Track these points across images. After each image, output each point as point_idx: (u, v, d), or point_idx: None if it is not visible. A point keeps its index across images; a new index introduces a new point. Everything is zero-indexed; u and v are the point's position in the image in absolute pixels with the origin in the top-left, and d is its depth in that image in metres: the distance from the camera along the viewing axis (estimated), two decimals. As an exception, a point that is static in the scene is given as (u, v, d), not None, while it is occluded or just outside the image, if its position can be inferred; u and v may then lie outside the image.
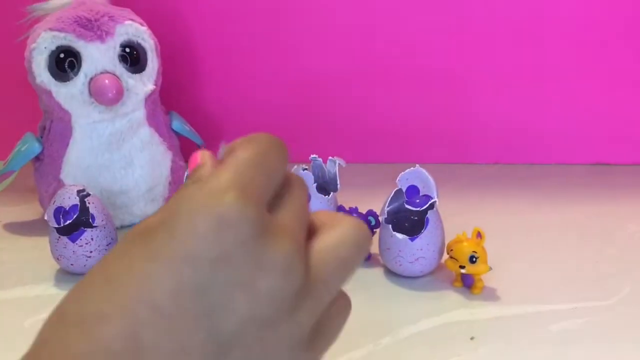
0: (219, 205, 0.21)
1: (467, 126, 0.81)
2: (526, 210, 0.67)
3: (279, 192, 0.24)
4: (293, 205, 0.24)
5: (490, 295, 0.50)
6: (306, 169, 0.58)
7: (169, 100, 0.72)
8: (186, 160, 0.71)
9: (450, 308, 0.49)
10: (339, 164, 0.58)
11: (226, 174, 0.22)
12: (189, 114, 0.75)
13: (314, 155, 0.59)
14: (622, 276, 0.52)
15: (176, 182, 0.69)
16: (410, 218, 0.54)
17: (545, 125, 0.80)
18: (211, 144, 0.80)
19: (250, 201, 0.21)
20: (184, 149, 0.72)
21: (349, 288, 0.55)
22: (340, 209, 0.57)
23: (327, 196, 0.57)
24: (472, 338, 0.45)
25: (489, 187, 0.74)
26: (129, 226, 0.58)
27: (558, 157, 0.81)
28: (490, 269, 0.49)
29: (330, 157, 0.59)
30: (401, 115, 0.82)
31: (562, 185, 0.74)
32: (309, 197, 0.27)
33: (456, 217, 0.56)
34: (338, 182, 0.57)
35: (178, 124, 0.70)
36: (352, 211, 0.57)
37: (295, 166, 0.58)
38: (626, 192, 0.71)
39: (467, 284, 0.51)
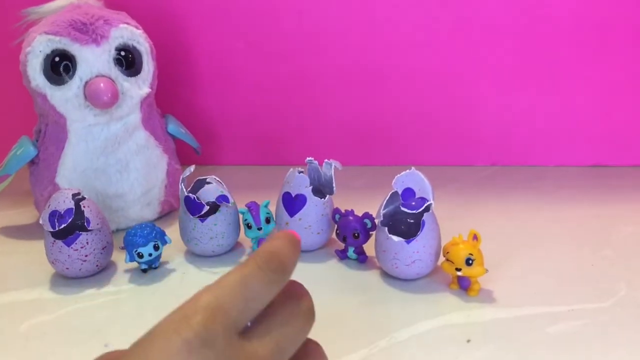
0: (186, 330, 0.21)
1: (463, 128, 0.81)
2: (522, 212, 0.67)
3: (274, 316, 0.25)
4: (280, 335, 0.25)
5: (487, 298, 0.50)
6: (302, 172, 0.58)
7: (164, 104, 0.72)
8: (182, 164, 0.71)
9: (446, 310, 0.49)
10: (335, 166, 0.58)
11: (205, 296, 0.23)
12: (184, 117, 0.75)
13: (310, 158, 0.59)
14: (619, 278, 0.52)
15: (172, 185, 0.68)
16: (406, 221, 0.54)
17: (541, 127, 0.80)
18: (207, 147, 0.80)
19: (218, 327, 0.22)
20: (180, 152, 0.72)
21: (345, 290, 0.54)
22: (336, 211, 0.57)
23: (323, 199, 0.57)
24: (468, 341, 0.45)
25: (485, 189, 0.75)
26: (125, 229, 0.58)
27: (554, 159, 0.81)
28: (487, 271, 0.49)
29: (326, 160, 0.59)
30: (397, 118, 0.82)
31: (558, 187, 0.74)
32: (307, 328, 0.28)
33: (452, 219, 0.56)
34: (334, 185, 0.57)
35: (174, 127, 0.70)
36: (348, 214, 0.56)
37: (291, 169, 0.58)
38: (622, 193, 0.71)
39: (464, 286, 0.51)
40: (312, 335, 0.47)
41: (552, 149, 0.81)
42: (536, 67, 0.78)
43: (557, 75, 0.78)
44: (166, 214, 0.70)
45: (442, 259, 0.51)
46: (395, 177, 0.53)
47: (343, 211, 0.57)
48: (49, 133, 0.63)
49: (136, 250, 0.54)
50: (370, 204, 0.57)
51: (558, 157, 0.81)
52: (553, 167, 0.81)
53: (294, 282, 0.29)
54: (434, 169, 0.53)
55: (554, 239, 0.61)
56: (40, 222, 0.54)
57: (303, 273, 0.56)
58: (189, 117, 0.77)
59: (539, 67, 0.78)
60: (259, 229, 0.58)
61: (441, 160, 0.82)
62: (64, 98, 0.60)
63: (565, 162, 0.81)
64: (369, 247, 0.56)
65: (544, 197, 0.71)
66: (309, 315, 0.27)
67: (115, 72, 0.61)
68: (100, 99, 0.58)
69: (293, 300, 0.27)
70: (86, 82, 0.60)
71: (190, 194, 0.57)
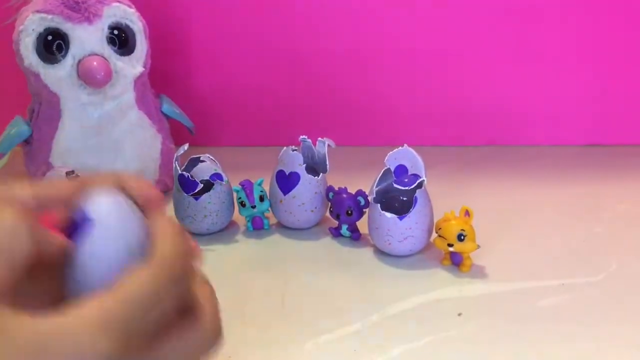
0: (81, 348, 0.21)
1: (457, 108, 0.81)
2: (515, 190, 0.68)
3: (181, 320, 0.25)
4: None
5: (479, 273, 0.51)
6: (295, 150, 0.58)
7: (158, 84, 0.72)
8: (176, 144, 0.71)
9: (438, 286, 0.49)
10: (328, 144, 0.58)
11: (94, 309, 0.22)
12: (178, 97, 0.75)
13: (304, 136, 0.59)
14: (610, 253, 0.53)
15: (166, 165, 0.68)
16: (399, 197, 0.54)
17: (534, 107, 0.80)
18: (201, 127, 0.80)
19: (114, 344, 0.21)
20: (174, 132, 0.72)
21: (338, 266, 0.55)
22: (329, 189, 0.57)
23: (316, 177, 0.57)
24: (459, 314, 0.45)
25: (478, 169, 0.75)
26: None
27: (547, 138, 0.81)
28: (479, 247, 0.50)
29: (319, 138, 0.59)
30: (391, 98, 0.82)
31: (552, 166, 0.75)
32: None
33: (445, 198, 0.56)
34: (327, 163, 0.58)
35: (168, 107, 0.70)
36: (342, 191, 0.57)
37: (285, 148, 0.58)
38: (614, 172, 0.71)
39: (456, 262, 0.52)
40: (304, 310, 0.48)
41: (545, 128, 0.81)
42: (530, 47, 0.78)
43: (550, 55, 0.78)
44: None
45: (434, 235, 0.52)
46: (388, 154, 0.53)
47: (336, 189, 0.57)
48: (43, 112, 0.63)
49: (130, 228, 0.55)
50: (364, 183, 0.57)
51: (552, 137, 0.81)
52: (545, 146, 0.81)
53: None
54: (427, 149, 0.53)
55: (546, 216, 0.61)
56: (34, 200, 0.54)
57: (296, 251, 0.57)
58: (182, 98, 0.77)
59: (533, 47, 0.77)
60: (253, 207, 0.58)
61: (435, 140, 0.82)
62: (57, 77, 0.60)
63: (559, 141, 0.81)
64: (362, 225, 0.57)
65: (536, 176, 0.71)
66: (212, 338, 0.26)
67: (108, 51, 0.61)
68: (94, 77, 0.58)
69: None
70: (79, 61, 0.59)
71: (184, 172, 0.57)
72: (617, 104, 0.79)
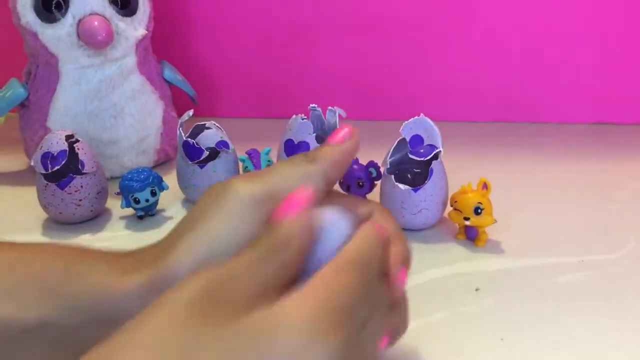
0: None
1: (467, 83, 0.80)
2: (528, 166, 0.66)
3: None
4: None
5: (495, 248, 0.49)
6: (305, 119, 0.56)
7: (160, 50, 0.70)
8: (179, 114, 0.69)
9: (453, 260, 0.48)
10: (339, 114, 0.56)
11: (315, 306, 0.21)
12: (181, 64, 0.72)
13: (313, 105, 0.57)
14: (627, 230, 0.51)
15: (168, 133, 0.66)
16: (412, 169, 0.53)
17: (546, 84, 0.78)
18: (203, 96, 0.78)
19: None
20: (175, 101, 0.70)
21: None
22: (340, 160, 0.55)
23: (326, 147, 0.55)
24: (477, 289, 0.44)
25: (489, 144, 0.73)
26: (119, 177, 0.55)
27: (559, 116, 0.80)
28: (495, 221, 0.48)
29: (329, 107, 0.57)
30: (400, 72, 0.80)
31: (564, 143, 0.73)
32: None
33: (459, 172, 0.54)
34: (338, 133, 0.55)
35: (170, 73, 0.68)
36: (353, 162, 0.54)
37: (294, 116, 0.56)
38: (627, 150, 0.70)
39: (471, 236, 0.50)
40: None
41: (557, 106, 0.79)
42: (539, 23, 0.76)
43: (560, 32, 0.76)
44: (162, 163, 0.68)
45: (449, 209, 0.50)
46: (404, 123, 0.51)
47: (347, 160, 0.55)
48: (40, 75, 0.60)
49: (132, 196, 0.53)
50: (375, 154, 0.55)
51: (563, 115, 0.79)
52: (556, 124, 0.79)
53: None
54: (440, 124, 0.51)
55: (560, 192, 0.59)
56: (32, 163, 0.52)
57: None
58: (185, 65, 0.74)
59: (542, 23, 0.76)
60: (260, 177, 0.56)
61: (445, 115, 0.80)
62: (56, 37, 0.57)
63: (571, 119, 0.79)
64: (373, 198, 0.55)
65: (549, 153, 0.70)
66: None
67: (110, 11, 0.58)
68: (94, 38, 0.56)
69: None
70: (79, 21, 0.57)
71: (189, 139, 0.55)
72: (628, 81, 0.77)
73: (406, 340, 0.39)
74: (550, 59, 0.77)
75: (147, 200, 0.53)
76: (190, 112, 0.56)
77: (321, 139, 0.57)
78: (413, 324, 0.41)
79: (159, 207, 0.56)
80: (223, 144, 0.55)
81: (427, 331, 0.40)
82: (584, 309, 0.41)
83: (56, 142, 0.52)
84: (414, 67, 0.80)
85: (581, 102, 0.79)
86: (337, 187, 0.57)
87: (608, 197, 0.58)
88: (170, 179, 0.58)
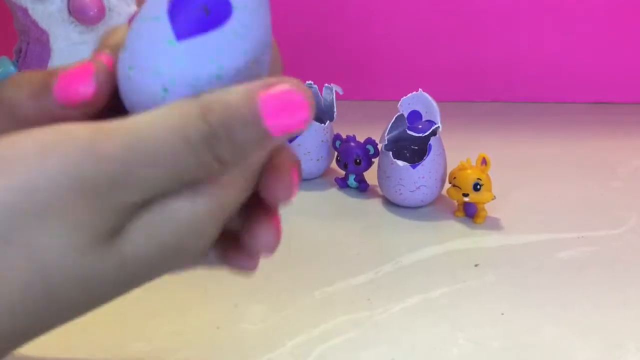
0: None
1: (467, 63, 0.79)
2: (528, 144, 0.65)
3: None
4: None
5: (494, 225, 0.48)
6: (301, 96, 0.55)
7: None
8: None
9: (453, 237, 0.47)
10: (335, 91, 0.55)
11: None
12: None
13: (310, 82, 0.56)
14: (629, 207, 0.51)
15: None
16: (410, 146, 0.52)
17: (545, 64, 0.78)
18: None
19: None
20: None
21: (347, 217, 0.52)
22: (336, 137, 0.55)
23: (323, 124, 0.55)
24: (476, 265, 0.43)
25: (488, 124, 0.72)
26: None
27: (558, 95, 0.79)
28: (494, 197, 0.48)
29: (326, 84, 0.56)
30: (400, 52, 0.79)
31: (564, 122, 0.72)
32: None
33: (457, 150, 0.53)
34: (335, 110, 0.55)
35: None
36: (350, 139, 0.54)
37: None
38: (627, 129, 0.69)
39: (470, 213, 0.49)
40: (312, 260, 0.45)
41: (556, 85, 0.78)
42: (541, 2, 0.75)
43: (560, 11, 0.75)
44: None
45: (447, 186, 0.49)
46: (402, 98, 0.50)
47: (344, 137, 0.54)
48: (31, 52, 0.59)
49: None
50: (373, 131, 0.54)
51: (563, 94, 0.79)
52: (557, 103, 0.79)
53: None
54: (438, 104, 0.50)
55: (561, 170, 0.59)
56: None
57: (302, 201, 0.54)
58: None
59: (544, 2, 0.75)
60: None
61: (443, 95, 0.79)
62: (47, 12, 0.56)
63: (570, 98, 0.78)
64: (369, 176, 0.54)
65: (549, 133, 0.69)
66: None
67: (101, -13, 0.57)
68: (86, 14, 0.54)
69: None
70: (70, -4, 0.55)
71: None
72: (628, 61, 0.76)
73: (406, 316, 0.38)
74: (550, 38, 0.76)
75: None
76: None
77: (318, 117, 0.56)
78: (413, 300, 0.40)
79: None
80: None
81: (427, 307, 0.39)
82: (585, 284, 0.41)
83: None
84: (413, 47, 0.79)
85: (581, 81, 0.78)
86: (334, 165, 0.56)
87: (609, 174, 0.57)
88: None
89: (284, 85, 0.18)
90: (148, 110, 0.18)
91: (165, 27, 0.19)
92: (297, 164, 0.21)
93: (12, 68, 0.60)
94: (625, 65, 0.77)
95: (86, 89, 0.19)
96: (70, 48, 0.58)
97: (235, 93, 0.18)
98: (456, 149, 0.53)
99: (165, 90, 0.19)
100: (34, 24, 0.57)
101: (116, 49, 0.20)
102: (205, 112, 0.17)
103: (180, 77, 0.18)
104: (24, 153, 0.17)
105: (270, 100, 0.17)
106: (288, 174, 0.21)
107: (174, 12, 0.19)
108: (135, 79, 0.19)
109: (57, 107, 0.19)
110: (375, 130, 0.54)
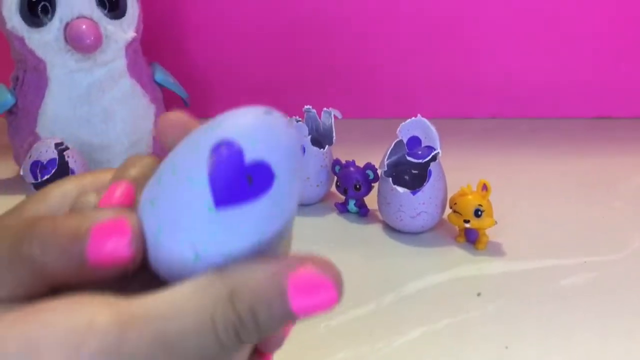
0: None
1: (463, 79, 0.78)
2: (527, 164, 0.65)
3: None
4: None
5: (496, 251, 0.48)
6: (300, 121, 0.55)
7: (151, 51, 0.68)
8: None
9: (454, 264, 0.47)
10: (334, 115, 0.55)
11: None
12: (172, 66, 0.71)
13: (308, 107, 0.56)
14: (632, 229, 0.50)
15: (161, 137, 0.65)
16: (410, 171, 0.52)
17: (544, 79, 0.77)
18: (196, 98, 0.76)
19: None
20: (167, 104, 0.68)
21: (347, 243, 0.52)
22: (336, 162, 0.54)
23: (322, 149, 0.54)
24: (479, 294, 0.43)
25: (486, 142, 0.72)
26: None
27: (558, 111, 0.78)
28: (496, 223, 0.47)
29: (325, 109, 0.56)
30: (396, 68, 0.79)
31: (563, 138, 0.72)
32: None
33: (456, 171, 0.53)
34: (334, 135, 0.54)
35: (161, 75, 0.66)
36: (349, 165, 0.54)
37: (289, 119, 0.55)
38: (628, 144, 0.69)
39: (471, 239, 0.49)
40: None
41: (556, 100, 0.78)
42: (540, 17, 0.74)
43: (560, 25, 0.75)
44: (155, 167, 0.66)
45: (448, 211, 0.49)
46: (400, 124, 0.50)
47: (343, 162, 0.54)
48: (28, 80, 0.59)
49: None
50: (372, 155, 0.54)
51: (562, 109, 0.78)
52: (557, 119, 0.78)
53: None
54: (435, 121, 0.50)
55: (561, 190, 0.59)
56: (21, 173, 0.50)
57: (301, 228, 0.54)
58: (175, 67, 0.73)
59: (541, 17, 0.74)
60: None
61: (443, 112, 0.79)
62: (43, 41, 0.56)
63: (570, 114, 0.78)
64: (370, 201, 0.54)
65: (548, 149, 0.69)
66: None
67: (97, 14, 0.57)
68: (83, 42, 0.54)
69: None
70: (67, 24, 0.55)
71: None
72: (628, 75, 0.76)
73: (409, 350, 0.38)
74: (548, 51, 0.76)
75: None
76: (183, 116, 0.54)
77: (316, 141, 0.56)
78: (415, 332, 0.40)
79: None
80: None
81: (430, 340, 0.39)
82: (590, 313, 0.40)
83: (45, 151, 0.50)
84: (410, 64, 0.79)
85: (578, 96, 0.78)
86: (334, 190, 0.56)
87: (610, 193, 0.57)
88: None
89: (312, 268, 0.18)
90: (173, 276, 0.18)
91: (203, 192, 0.17)
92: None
93: (9, 96, 0.60)
94: (624, 79, 0.76)
95: (123, 250, 0.18)
96: (67, 75, 0.58)
97: (263, 274, 0.17)
98: (457, 170, 0.53)
99: (197, 258, 0.18)
100: (31, 52, 0.57)
101: (137, 181, 0.19)
102: (233, 296, 0.17)
103: (215, 247, 0.18)
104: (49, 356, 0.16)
105: (298, 284, 0.17)
106: (282, 331, 0.22)
107: (215, 177, 0.17)
108: (165, 243, 0.18)
109: (88, 268, 0.18)
110: (374, 152, 0.53)
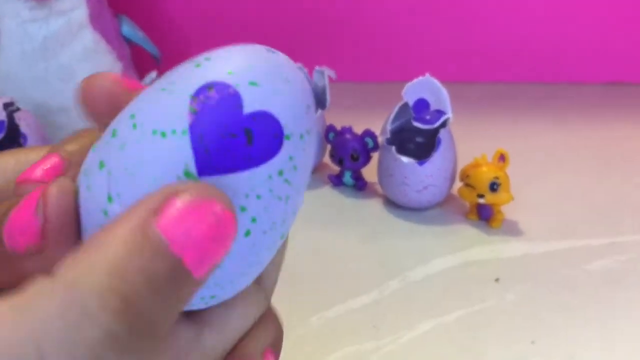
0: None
1: (473, 41, 0.72)
2: (539, 133, 0.59)
3: None
4: None
5: (513, 230, 0.43)
6: (288, 81, 0.48)
7: (118, 2, 0.61)
8: (140, 77, 0.61)
9: (467, 245, 0.41)
10: (328, 75, 0.48)
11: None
12: (142, 19, 0.64)
13: (299, 64, 0.49)
14: (661, 205, 0.45)
15: (129, 100, 0.58)
16: (414, 139, 0.45)
17: (556, 42, 0.71)
18: (169, 56, 0.69)
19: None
20: (135, 61, 0.61)
21: (344, 222, 0.46)
22: (330, 129, 0.48)
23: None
24: (496, 280, 0.38)
25: (494, 108, 0.65)
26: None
27: (570, 75, 0.73)
28: (513, 198, 0.42)
29: (317, 67, 0.49)
30: (403, 28, 0.72)
31: (577, 106, 0.65)
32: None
33: (467, 140, 0.47)
34: (327, 97, 0.48)
35: (129, 29, 0.59)
36: (345, 131, 0.47)
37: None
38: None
39: (485, 216, 0.43)
40: (306, 276, 0.39)
41: (568, 64, 0.72)
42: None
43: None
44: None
45: (458, 184, 0.43)
46: (406, 85, 0.44)
47: (339, 128, 0.48)
48: (-26, 31, 0.51)
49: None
50: (371, 121, 0.48)
51: (574, 74, 0.72)
52: (569, 84, 0.72)
53: None
54: (444, 85, 0.44)
55: (579, 162, 0.53)
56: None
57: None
58: (145, 20, 0.66)
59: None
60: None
61: (450, 76, 0.72)
62: (-10, -15, 0.48)
63: (582, 78, 0.72)
64: (368, 173, 0.48)
65: (562, 117, 0.62)
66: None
67: (53, -46, 0.49)
68: (35, -14, 0.47)
69: None
70: (17, -35, 0.48)
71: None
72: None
73: (418, 347, 0.32)
74: (561, 16, 0.70)
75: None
76: (154, 74, 0.49)
77: (307, 105, 0.50)
78: (425, 326, 0.34)
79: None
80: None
81: (441, 335, 0.34)
82: (621, 300, 0.35)
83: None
84: (417, 22, 0.72)
85: (593, 60, 0.72)
86: (327, 160, 0.49)
87: (631, 167, 0.52)
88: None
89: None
90: None
91: (180, 153, 0.12)
92: (276, 346, 0.18)
93: (-48, 50, 0.52)
94: (638, 42, 0.71)
95: (29, 238, 0.14)
96: (20, 27, 0.51)
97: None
98: (467, 139, 0.47)
99: None
100: (-24, -2, 0.49)
101: (73, 156, 0.16)
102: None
103: None
104: None
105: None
106: None
107: (198, 131, 0.12)
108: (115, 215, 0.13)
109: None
110: (374, 119, 0.47)
